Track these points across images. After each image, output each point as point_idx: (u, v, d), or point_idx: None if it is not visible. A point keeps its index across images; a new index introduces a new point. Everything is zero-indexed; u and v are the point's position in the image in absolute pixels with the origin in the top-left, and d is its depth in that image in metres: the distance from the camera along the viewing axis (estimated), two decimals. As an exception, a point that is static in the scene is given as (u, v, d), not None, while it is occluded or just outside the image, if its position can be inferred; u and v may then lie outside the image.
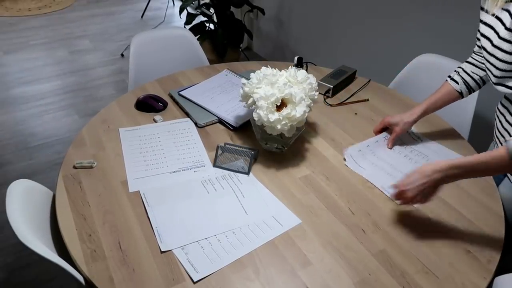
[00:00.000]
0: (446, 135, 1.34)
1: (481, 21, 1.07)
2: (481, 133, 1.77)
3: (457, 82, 1.22)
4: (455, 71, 1.24)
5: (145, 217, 1.01)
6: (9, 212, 0.91)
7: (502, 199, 1.10)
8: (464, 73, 1.21)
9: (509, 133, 1.09)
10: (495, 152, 0.87)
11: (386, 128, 1.32)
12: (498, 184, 1.17)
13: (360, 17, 2.36)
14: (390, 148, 1.26)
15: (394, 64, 2.20)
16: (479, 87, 1.22)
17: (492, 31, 1.02)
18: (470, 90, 1.22)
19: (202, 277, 0.87)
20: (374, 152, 1.24)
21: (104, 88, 2.98)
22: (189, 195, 1.06)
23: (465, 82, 1.21)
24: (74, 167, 1.15)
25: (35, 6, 4.25)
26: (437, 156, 1.23)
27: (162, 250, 0.92)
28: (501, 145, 1.10)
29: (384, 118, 1.30)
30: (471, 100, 1.50)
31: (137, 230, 0.97)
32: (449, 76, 1.24)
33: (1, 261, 1.75)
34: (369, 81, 1.63)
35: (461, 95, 1.22)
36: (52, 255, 0.84)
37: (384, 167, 1.19)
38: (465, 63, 1.23)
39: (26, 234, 0.86)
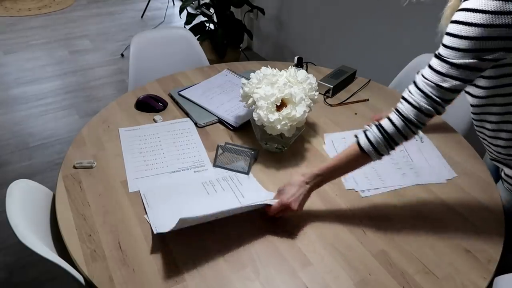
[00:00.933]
0: (446, 135, 1.33)
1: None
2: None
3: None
4: None
5: (145, 217, 1.01)
6: (9, 212, 0.91)
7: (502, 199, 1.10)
8: None
9: None
10: (349, 150, 0.94)
11: None
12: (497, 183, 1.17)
13: (360, 17, 2.36)
14: None
15: (394, 64, 2.20)
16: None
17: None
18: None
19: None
20: None
21: (104, 88, 2.98)
22: (189, 196, 1.06)
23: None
24: (74, 167, 1.15)
25: (35, 6, 4.25)
26: (423, 170, 1.17)
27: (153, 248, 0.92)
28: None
29: (374, 116, 1.30)
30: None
31: (137, 230, 0.97)
32: None
33: (1, 261, 1.75)
34: (369, 81, 1.63)
35: None
36: (52, 255, 0.84)
37: None
38: None
39: (26, 234, 0.86)
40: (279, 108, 1.14)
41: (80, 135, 1.27)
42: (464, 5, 0.78)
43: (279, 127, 1.11)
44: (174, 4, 4.36)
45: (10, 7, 4.21)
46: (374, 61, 2.36)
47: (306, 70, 1.40)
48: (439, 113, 0.87)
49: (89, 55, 3.41)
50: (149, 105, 1.39)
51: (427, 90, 0.85)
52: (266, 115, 1.11)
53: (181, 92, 1.47)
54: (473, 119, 1.05)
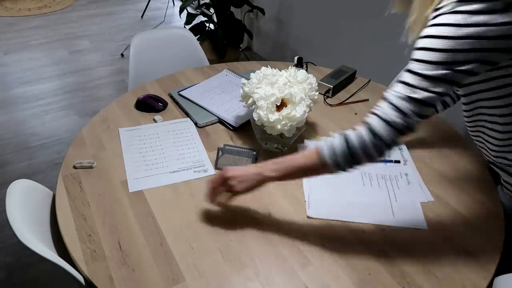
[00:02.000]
0: (446, 135, 1.33)
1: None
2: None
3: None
4: None
5: (145, 217, 1.01)
6: (9, 212, 0.91)
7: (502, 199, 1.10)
8: None
9: None
10: (308, 156, 0.87)
11: None
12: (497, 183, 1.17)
13: (360, 17, 2.36)
14: None
15: (394, 64, 2.20)
16: (454, 102, 1.23)
17: None
18: (446, 106, 1.24)
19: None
20: None
21: (104, 88, 2.98)
22: (346, 181, 1.10)
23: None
24: (74, 167, 1.15)
25: (35, 6, 4.25)
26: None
27: None
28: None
29: None
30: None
31: (137, 230, 0.97)
32: None
33: (1, 261, 1.75)
34: (369, 81, 1.63)
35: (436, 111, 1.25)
36: (52, 255, 0.84)
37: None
38: None
39: (26, 234, 0.86)
40: (279, 108, 1.14)
41: (80, 135, 1.27)
42: (432, 22, 0.78)
43: (279, 127, 1.11)
44: (174, 4, 4.36)
45: (10, 7, 4.21)
46: (374, 61, 2.36)
47: (306, 70, 1.40)
48: (411, 129, 0.81)
49: (89, 55, 3.41)
50: (149, 105, 1.40)
51: (400, 103, 0.80)
52: (266, 115, 1.11)
53: (181, 92, 1.47)
54: (466, 122, 1.04)
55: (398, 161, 1.10)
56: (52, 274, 1.70)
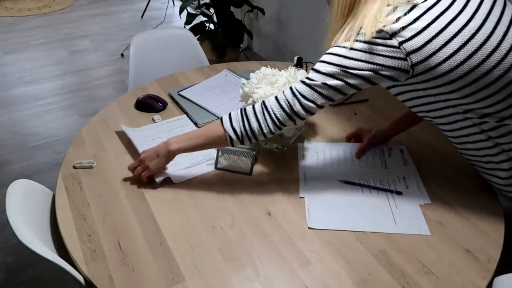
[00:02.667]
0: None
1: None
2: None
3: None
4: None
5: (145, 217, 1.01)
6: (9, 212, 0.91)
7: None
8: None
9: None
10: (212, 124, 1.02)
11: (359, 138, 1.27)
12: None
13: (360, 17, 2.35)
14: (357, 158, 1.20)
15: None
16: None
17: None
18: None
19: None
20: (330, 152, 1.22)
21: (104, 88, 2.98)
22: (345, 191, 1.10)
23: None
24: (74, 167, 1.15)
25: (35, 6, 4.25)
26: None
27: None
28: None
29: (357, 126, 1.27)
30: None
31: (137, 230, 0.97)
32: None
33: (1, 261, 1.75)
34: (369, 81, 1.62)
35: None
36: (52, 255, 0.84)
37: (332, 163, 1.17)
38: None
39: (26, 234, 0.86)
40: (279, 108, 1.13)
41: (80, 135, 1.27)
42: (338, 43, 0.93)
43: (279, 127, 1.11)
44: (174, 4, 4.36)
45: (10, 7, 4.21)
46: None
47: (306, 70, 1.40)
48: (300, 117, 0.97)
49: (89, 55, 3.41)
50: (149, 105, 1.40)
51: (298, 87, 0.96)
52: (266, 115, 1.11)
53: (181, 92, 1.47)
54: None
55: (400, 193, 1.08)
56: (52, 274, 1.70)
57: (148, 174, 1.07)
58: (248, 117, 0.98)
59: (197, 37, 2.76)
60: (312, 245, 0.95)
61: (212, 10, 3.14)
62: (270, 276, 0.88)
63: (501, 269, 0.92)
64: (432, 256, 0.93)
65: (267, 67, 1.22)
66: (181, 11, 2.88)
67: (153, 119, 1.35)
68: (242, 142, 1.00)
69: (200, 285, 0.86)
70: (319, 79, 0.93)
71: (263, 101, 0.99)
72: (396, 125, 1.23)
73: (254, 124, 0.98)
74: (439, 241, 0.97)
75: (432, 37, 0.84)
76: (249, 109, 0.99)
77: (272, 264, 0.91)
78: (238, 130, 0.99)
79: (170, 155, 1.05)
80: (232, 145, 1.01)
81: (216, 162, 1.17)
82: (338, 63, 0.91)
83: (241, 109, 1.00)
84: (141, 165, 1.07)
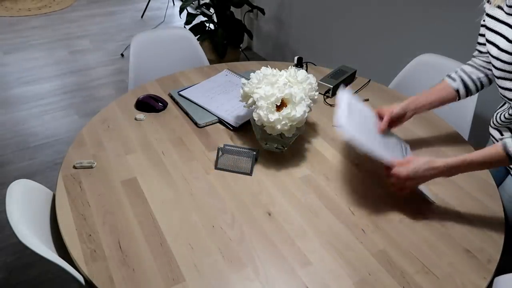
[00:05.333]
0: (446, 135, 1.34)
1: (485, 26, 1.07)
2: (481, 133, 1.77)
3: (454, 80, 1.19)
4: (454, 71, 1.23)
5: (145, 217, 1.01)
6: (9, 212, 0.91)
7: (502, 199, 1.10)
8: (463, 73, 1.20)
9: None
10: (490, 151, 0.94)
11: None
12: (498, 184, 1.17)
13: (360, 17, 2.36)
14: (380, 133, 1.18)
15: (394, 64, 2.20)
16: (477, 90, 1.19)
17: (497, 37, 1.03)
18: (468, 91, 1.19)
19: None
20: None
21: (104, 88, 2.98)
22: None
23: (463, 81, 1.19)
24: (74, 167, 1.15)
25: (35, 6, 4.25)
26: None
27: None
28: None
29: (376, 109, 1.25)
30: (471, 101, 1.50)
31: (137, 230, 0.97)
32: (448, 75, 1.23)
33: (1, 261, 1.75)
34: (369, 81, 1.63)
35: (457, 93, 1.19)
36: (52, 255, 0.84)
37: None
38: (465, 65, 1.22)
39: (26, 234, 0.86)
40: (279, 108, 1.13)
41: (80, 135, 1.27)
42: None
43: (279, 127, 1.11)
44: (174, 4, 4.36)
45: (10, 7, 4.21)
46: (374, 61, 2.36)
47: (306, 70, 1.40)
48: None
49: (89, 55, 3.41)
50: (149, 105, 1.40)
51: None
52: (266, 115, 1.11)
53: (181, 92, 1.47)
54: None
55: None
56: (52, 274, 1.70)
57: (403, 191, 1.04)
58: None
59: (197, 37, 2.76)
60: (312, 245, 0.95)
61: (212, 10, 3.14)
62: (270, 276, 0.88)
63: (501, 269, 0.92)
64: (432, 256, 0.93)
65: (267, 67, 1.22)
66: (181, 11, 2.88)
67: (135, 118, 1.34)
68: None
69: (200, 285, 0.86)
70: None
71: None
72: (416, 100, 1.20)
73: None
74: (439, 241, 0.97)
75: None
76: None
77: (272, 264, 0.91)
78: None
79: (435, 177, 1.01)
80: None
81: (216, 162, 1.17)
82: None
83: None
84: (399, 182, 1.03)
